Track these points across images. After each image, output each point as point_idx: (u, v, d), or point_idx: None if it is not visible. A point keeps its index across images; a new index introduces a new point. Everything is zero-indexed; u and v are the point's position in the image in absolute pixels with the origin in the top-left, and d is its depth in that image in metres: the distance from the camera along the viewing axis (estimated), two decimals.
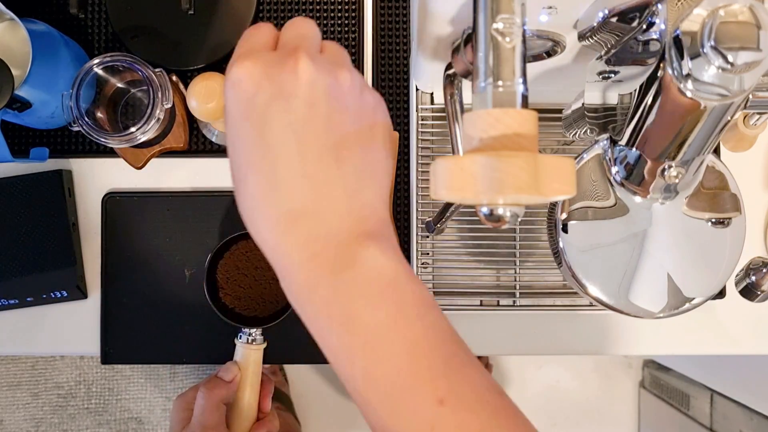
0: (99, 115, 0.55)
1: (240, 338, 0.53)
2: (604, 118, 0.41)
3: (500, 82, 0.27)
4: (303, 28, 0.32)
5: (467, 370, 0.30)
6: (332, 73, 0.30)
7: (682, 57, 0.30)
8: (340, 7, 0.61)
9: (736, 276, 0.57)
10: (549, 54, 0.41)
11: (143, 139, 0.52)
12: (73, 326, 0.60)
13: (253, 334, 0.53)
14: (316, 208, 0.29)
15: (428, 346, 0.29)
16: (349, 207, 0.29)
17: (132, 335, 0.59)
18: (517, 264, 0.56)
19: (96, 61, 0.52)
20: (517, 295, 0.55)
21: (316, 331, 0.31)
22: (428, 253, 0.56)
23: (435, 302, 0.31)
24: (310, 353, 0.59)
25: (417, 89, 0.55)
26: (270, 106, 0.29)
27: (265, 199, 0.29)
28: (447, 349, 0.30)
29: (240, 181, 0.30)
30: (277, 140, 0.29)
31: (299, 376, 1.41)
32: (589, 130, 0.43)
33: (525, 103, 0.27)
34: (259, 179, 0.29)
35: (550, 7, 0.36)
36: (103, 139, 0.51)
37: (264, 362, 0.54)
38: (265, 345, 0.54)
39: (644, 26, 0.33)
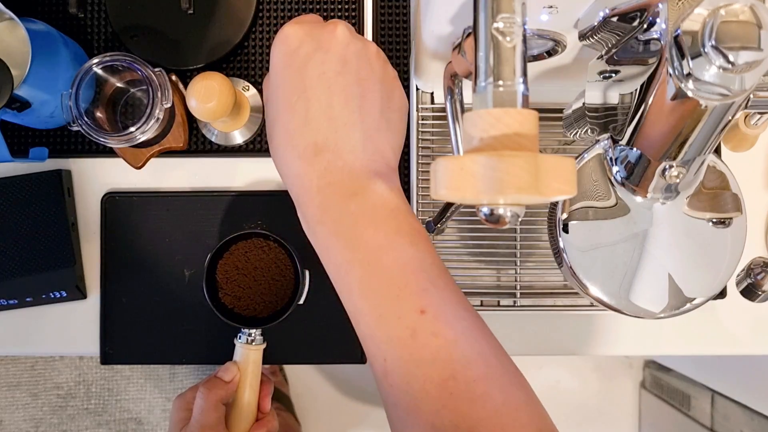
0: (98, 114, 0.55)
1: (239, 338, 0.53)
2: (605, 118, 0.41)
3: (501, 82, 0.27)
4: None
5: (448, 292, 0.34)
6: (364, 41, 0.36)
7: (682, 57, 0.30)
8: (340, 6, 0.61)
9: (737, 276, 0.57)
10: (549, 54, 0.41)
11: (143, 139, 0.52)
12: (72, 326, 0.60)
13: (253, 335, 0.53)
14: (337, 144, 0.34)
15: (417, 266, 0.33)
16: (364, 148, 0.35)
17: (132, 335, 0.59)
18: (518, 264, 0.56)
19: (95, 60, 0.51)
20: (518, 295, 0.55)
21: (322, 250, 0.35)
22: None
23: (427, 236, 0.35)
24: (310, 353, 0.59)
25: (417, 89, 0.55)
26: (310, 58, 0.35)
27: (295, 133, 0.35)
28: (432, 272, 0.34)
29: (275, 119, 0.36)
30: (312, 85, 0.34)
31: (299, 376, 1.41)
32: (589, 130, 0.43)
33: (525, 102, 0.27)
34: (292, 116, 0.35)
35: (551, 7, 0.35)
36: (102, 139, 0.51)
37: (264, 362, 0.54)
38: (264, 345, 0.54)
39: (645, 26, 0.33)
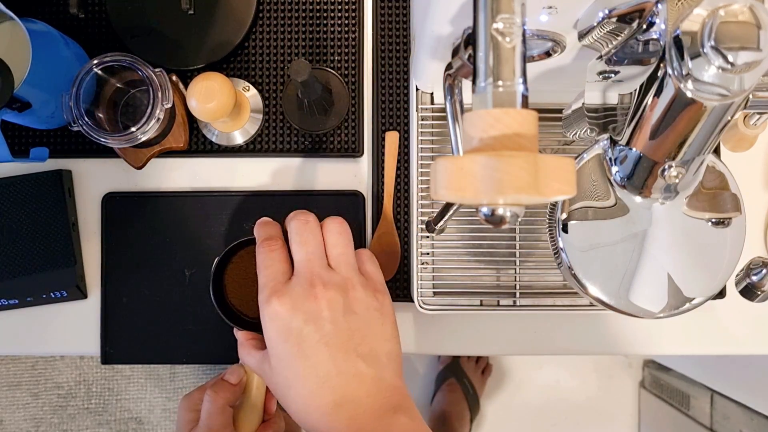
0: (99, 115, 0.55)
1: None
2: (605, 118, 0.41)
3: (500, 82, 0.27)
4: (308, 245, 0.42)
5: None
6: (347, 294, 0.41)
7: (682, 57, 0.30)
8: (340, 7, 0.61)
9: (737, 276, 0.57)
10: (549, 54, 0.41)
11: (143, 139, 0.52)
12: (73, 326, 0.60)
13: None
14: (353, 395, 0.38)
15: None
16: (378, 389, 0.39)
17: (132, 335, 0.59)
18: (517, 264, 0.56)
19: (96, 61, 0.52)
20: (517, 295, 0.55)
21: None
22: (428, 253, 0.56)
23: None
24: None
25: (417, 89, 0.55)
26: (303, 329, 0.39)
27: (313, 396, 0.39)
28: None
29: (288, 388, 0.40)
30: (313, 352, 0.39)
31: None
32: (589, 130, 0.43)
33: (525, 103, 0.27)
34: (305, 383, 0.39)
35: (550, 7, 0.36)
36: (103, 139, 0.51)
37: None
38: None
39: (644, 26, 0.33)
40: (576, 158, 0.42)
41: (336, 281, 0.41)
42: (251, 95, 0.59)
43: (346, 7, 0.61)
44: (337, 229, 0.43)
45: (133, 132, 0.51)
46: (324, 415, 0.39)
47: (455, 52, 0.38)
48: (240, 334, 0.50)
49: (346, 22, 0.61)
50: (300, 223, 0.43)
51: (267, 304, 0.40)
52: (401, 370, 0.42)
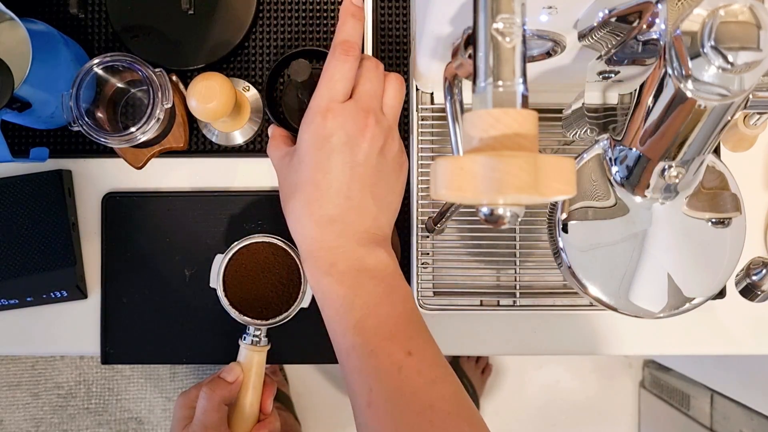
0: (99, 115, 0.55)
1: (244, 339, 0.53)
2: (605, 118, 0.41)
3: (500, 82, 0.27)
4: (374, 83, 0.44)
5: (430, 344, 0.42)
6: (387, 139, 0.43)
7: (682, 57, 0.30)
8: (340, 7, 0.61)
9: (736, 276, 0.57)
10: (549, 54, 0.41)
11: (143, 139, 0.52)
12: (73, 326, 0.60)
13: (258, 336, 0.53)
14: (350, 218, 0.41)
15: (407, 319, 0.41)
16: (371, 224, 0.42)
17: (132, 335, 0.59)
18: (517, 264, 0.56)
19: (96, 61, 0.52)
20: (517, 295, 0.55)
21: (323, 295, 0.42)
22: (428, 253, 0.56)
23: (413, 298, 0.44)
24: (311, 353, 0.59)
25: (417, 89, 0.55)
26: (340, 147, 0.41)
27: (315, 203, 0.41)
28: (419, 326, 0.42)
29: (296, 188, 0.42)
30: (337, 170, 0.41)
31: (299, 376, 1.41)
32: (589, 130, 0.43)
33: (525, 103, 0.27)
34: (314, 191, 0.41)
35: (550, 7, 0.36)
36: (103, 139, 0.51)
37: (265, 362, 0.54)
38: (269, 347, 0.54)
39: (644, 26, 0.33)
40: (576, 158, 0.42)
41: (384, 125, 0.43)
42: (251, 95, 0.59)
43: None
44: (399, 84, 0.45)
45: (133, 132, 0.51)
46: (315, 223, 0.41)
47: (455, 52, 0.38)
48: (275, 130, 0.51)
49: None
50: (373, 63, 0.44)
51: (321, 116, 0.41)
52: (393, 222, 0.46)
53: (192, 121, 0.60)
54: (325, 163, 0.41)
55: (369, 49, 0.61)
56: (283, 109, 0.60)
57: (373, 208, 0.42)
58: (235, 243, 0.54)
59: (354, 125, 0.41)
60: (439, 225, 0.48)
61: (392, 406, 0.38)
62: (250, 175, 0.60)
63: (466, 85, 0.34)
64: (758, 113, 0.54)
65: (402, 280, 0.43)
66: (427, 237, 0.55)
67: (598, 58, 0.39)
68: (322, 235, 0.41)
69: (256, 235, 0.54)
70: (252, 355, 0.53)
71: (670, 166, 0.36)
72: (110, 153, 0.60)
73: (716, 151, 0.59)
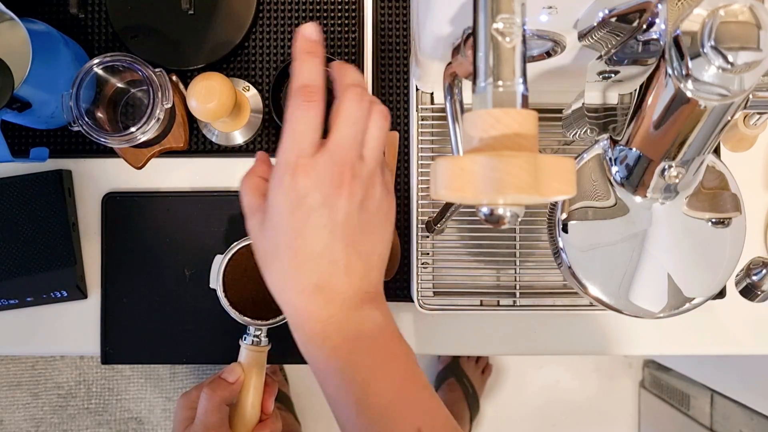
0: (99, 115, 0.55)
1: (245, 340, 0.53)
2: (604, 118, 0.41)
3: (500, 82, 0.27)
4: (355, 126, 0.38)
5: (438, 410, 0.39)
6: (367, 191, 0.38)
7: (682, 57, 0.30)
8: (340, 7, 0.61)
9: (736, 276, 0.57)
10: (549, 54, 0.41)
11: (143, 139, 0.52)
12: (73, 326, 0.60)
13: (258, 336, 0.53)
14: (336, 284, 0.37)
15: (411, 388, 0.39)
16: (361, 283, 0.38)
17: (132, 335, 0.59)
18: (517, 264, 0.56)
19: (96, 61, 0.52)
20: (517, 295, 0.55)
21: (320, 371, 0.39)
22: (428, 253, 0.56)
23: (414, 356, 0.40)
24: None
25: (417, 89, 0.55)
26: (316, 210, 0.36)
27: (297, 271, 0.37)
28: (425, 394, 0.39)
29: (274, 254, 0.38)
30: (316, 233, 0.37)
31: (299, 376, 1.41)
32: (589, 130, 0.43)
33: (525, 103, 0.27)
34: (294, 258, 0.37)
35: (550, 7, 0.36)
36: (103, 139, 0.51)
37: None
38: (269, 347, 0.54)
39: (644, 26, 0.33)
40: (576, 158, 0.42)
41: (363, 175, 0.38)
42: (251, 95, 0.59)
43: (346, 7, 0.61)
44: (382, 120, 0.39)
45: (133, 132, 0.51)
46: (300, 293, 0.38)
47: (455, 52, 0.38)
48: (256, 163, 0.45)
49: (346, 22, 0.61)
50: (357, 97, 0.38)
51: (290, 175, 0.37)
52: (383, 272, 0.42)
53: (192, 121, 0.60)
54: (302, 228, 0.37)
55: (369, 50, 0.61)
56: (284, 109, 0.60)
57: (360, 267, 0.38)
58: (235, 243, 0.54)
59: (330, 183, 0.36)
60: (439, 225, 0.48)
61: None
62: None
63: (466, 85, 0.34)
64: (758, 113, 0.54)
65: (399, 340, 0.40)
66: (427, 237, 0.55)
67: (598, 58, 0.39)
68: (309, 305, 0.38)
69: None
70: (252, 355, 0.53)
71: (670, 166, 0.36)
72: (110, 153, 0.60)
73: (716, 151, 0.59)
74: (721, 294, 0.58)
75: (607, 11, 0.35)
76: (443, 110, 0.55)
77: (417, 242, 0.55)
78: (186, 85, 0.53)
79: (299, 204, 0.37)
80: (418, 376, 0.39)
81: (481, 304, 0.55)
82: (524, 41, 0.28)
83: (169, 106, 0.52)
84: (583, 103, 0.42)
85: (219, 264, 0.53)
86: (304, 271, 0.37)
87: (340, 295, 0.37)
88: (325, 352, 0.38)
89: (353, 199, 0.37)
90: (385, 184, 0.40)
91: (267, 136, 0.60)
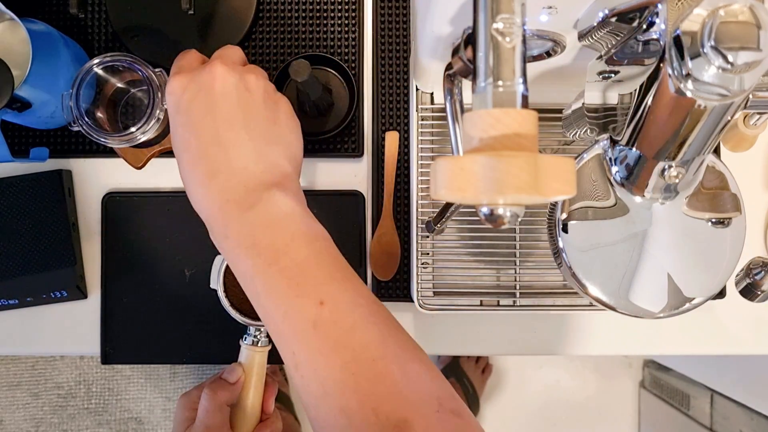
0: (99, 115, 0.55)
1: (245, 340, 0.53)
2: (605, 118, 0.41)
3: (500, 82, 0.27)
4: (227, 49, 0.43)
5: (345, 283, 0.37)
6: (241, 74, 0.40)
7: (682, 57, 0.30)
8: (340, 7, 0.61)
9: (736, 276, 0.57)
10: (549, 54, 0.41)
11: (143, 139, 0.52)
12: (73, 326, 0.60)
13: (258, 336, 0.53)
14: (228, 165, 0.38)
15: (313, 263, 0.37)
16: (257, 162, 0.38)
17: (132, 335, 0.59)
18: (517, 264, 0.56)
19: (96, 61, 0.52)
20: (517, 295, 0.55)
21: (231, 262, 0.39)
22: (428, 253, 0.56)
23: (326, 235, 0.39)
24: None
25: (417, 89, 0.55)
26: (193, 99, 0.39)
27: (193, 166, 0.38)
28: (330, 267, 0.38)
29: (179, 161, 0.40)
30: (198, 121, 0.39)
31: None
32: (589, 130, 0.43)
33: (525, 103, 0.27)
34: (189, 153, 0.39)
35: (550, 7, 0.36)
36: (103, 139, 0.51)
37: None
38: (270, 347, 0.54)
39: (644, 26, 0.33)
40: (576, 158, 0.42)
41: (240, 68, 0.41)
42: None
43: (346, 7, 0.61)
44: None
45: (133, 132, 0.51)
46: (198, 185, 0.38)
47: (455, 52, 0.38)
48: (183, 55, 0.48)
49: (346, 22, 0.61)
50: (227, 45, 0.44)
51: (172, 81, 0.40)
52: (295, 160, 0.42)
53: None
54: (187, 122, 0.39)
55: (369, 50, 0.61)
56: None
57: (251, 145, 0.38)
58: None
59: (204, 74, 0.39)
60: (439, 225, 0.48)
61: (316, 367, 0.35)
62: None
63: (466, 85, 0.34)
64: (758, 113, 0.54)
65: (304, 218, 0.39)
66: (427, 237, 0.55)
67: (598, 58, 0.39)
68: (208, 193, 0.38)
69: None
70: (253, 355, 0.53)
71: (670, 166, 0.36)
72: (110, 153, 0.60)
73: (716, 151, 0.59)
74: (721, 294, 0.58)
75: (607, 11, 0.35)
76: (443, 110, 0.55)
77: (417, 242, 0.55)
78: None
79: (180, 100, 0.39)
80: (327, 253, 0.38)
81: (481, 304, 0.55)
82: (524, 41, 0.28)
83: None
84: (583, 103, 0.42)
85: (219, 264, 0.53)
86: (197, 162, 0.38)
87: (234, 176, 0.38)
88: (229, 240, 0.38)
89: (227, 79, 0.39)
90: (268, 82, 0.42)
91: None
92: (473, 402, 1.34)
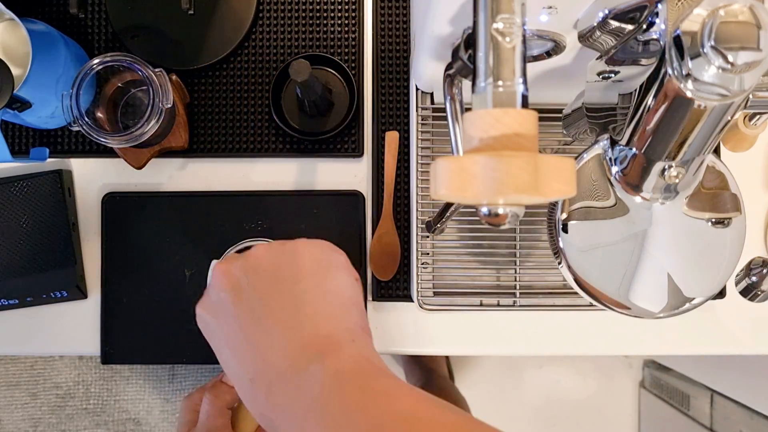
0: (99, 115, 0.55)
1: None
2: (605, 118, 0.41)
3: (500, 82, 0.27)
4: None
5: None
6: (246, 282, 0.39)
7: (682, 57, 0.30)
8: (340, 7, 0.61)
9: (736, 276, 0.57)
10: (549, 54, 0.41)
11: (143, 139, 0.52)
12: (73, 326, 0.60)
13: None
14: (265, 363, 0.35)
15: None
16: (291, 346, 0.35)
17: (132, 335, 0.59)
18: (517, 264, 0.56)
19: (96, 61, 0.52)
20: (517, 295, 0.55)
21: None
22: (428, 253, 0.56)
23: (407, 387, 0.33)
24: None
25: (417, 89, 0.55)
26: (213, 319, 0.40)
27: (237, 378, 0.37)
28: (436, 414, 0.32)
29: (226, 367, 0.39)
30: (222, 335, 0.38)
31: None
32: (589, 130, 0.43)
33: (525, 103, 0.27)
34: (230, 363, 0.38)
35: (550, 7, 0.36)
36: (103, 139, 0.51)
37: None
38: None
39: (644, 26, 0.33)
40: (576, 158, 0.42)
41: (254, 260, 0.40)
42: None
43: (346, 7, 0.61)
44: None
45: (133, 132, 0.51)
46: (248, 393, 0.36)
47: (455, 52, 0.38)
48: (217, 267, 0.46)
49: (346, 22, 0.61)
50: None
51: (198, 311, 0.42)
52: (339, 310, 0.37)
53: (192, 121, 0.60)
54: (212, 338, 0.40)
55: (369, 50, 0.61)
56: (284, 109, 0.60)
57: (278, 330, 0.36)
58: (230, 248, 0.54)
59: (217, 298, 0.40)
60: (439, 225, 0.48)
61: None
62: (250, 175, 0.60)
63: (466, 85, 0.34)
64: (758, 113, 0.54)
65: (381, 374, 0.34)
66: (427, 237, 0.55)
67: (598, 58, 0.39)
68: (259, 400, 0.35)
69: (250, 239, 0.54)
70: None
71: (670, 166, 0.36)
72: (110, 153, 0.60)
73: (716, 151, 0.59)
74: (721, 294, 0.58)
75: (607, 11, 0.35)
76: (443, 110, 0.55)
77: (417, 242, 0.55)
78: (186, 85, 0.53)
79: (206, 324, 0.40)
80: (413, 400, 0.32)
81: (481, 304, 0.56)
82: (524, 41, 0.28)
83: (169, 106, 0.52)
84: (583, 103, 0.42)
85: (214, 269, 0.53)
86: (239, 373, 0.37)
87: (272, 371, 0.35)
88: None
89: (236, 286, 0.38)
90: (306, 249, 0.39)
91: (267, 137, 0.60)
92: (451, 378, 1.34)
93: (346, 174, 0.60)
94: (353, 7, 0.61)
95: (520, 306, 0.55)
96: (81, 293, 0.59)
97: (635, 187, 0.40)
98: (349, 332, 0.36)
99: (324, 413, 0.32)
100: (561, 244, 0.42)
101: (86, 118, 0.51)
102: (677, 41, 0.30)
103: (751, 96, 0.33)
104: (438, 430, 0.30)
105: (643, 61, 0.34)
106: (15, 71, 0.48)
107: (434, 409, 0.32)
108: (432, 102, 0.55)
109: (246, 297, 0.38)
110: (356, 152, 0.59)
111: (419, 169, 0.55)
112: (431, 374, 1.28)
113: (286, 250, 0.39)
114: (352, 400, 0.31)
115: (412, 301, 0.56)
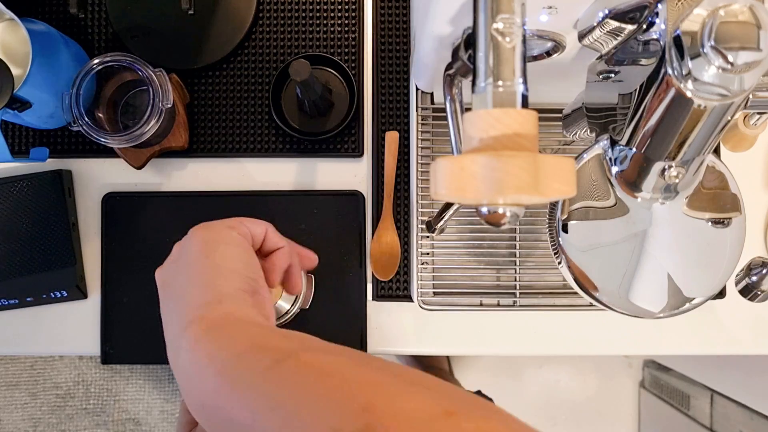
0: (99, 115, 0.55)
1: None
2: (604, 118, 0.41)
3: (500, 82, 0.27)
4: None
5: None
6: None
7: (682, 57, 0.30)
8: (340, 7, 0.61)
9: (736, 276, 0.57)
10: (549, 54, 0.41)
11: (143, 139, 0.52)
12: (73, 326, 0.60)
13: None
14: (167, 340, 0.40)
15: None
16: (178, 319, 0.39)
17: (132, 335, 0.59)
18: (517, 264, 0.56)
19: (96, 61, 0.52)
20: (517, 295, 0.55)
21: None
22: (428, 253, 0.56)
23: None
24: None
25: (417, 89, 0.55)
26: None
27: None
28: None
29: None
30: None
31: None
32: (589, 130, 0.43)
33: (525, 103, 0.27)
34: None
35: (550, 7, 0.36)
36: (103, 139, 0.51)
37: None
38: None
39: (644, 26, 0.33)
40: (576, 158, 0.42)
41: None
42: None
43: (346, 7, 0.61)
44: None
45: (133, 132, 0.51)
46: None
47: (455, 52, 0.38)
48: None
49: (346, 22, 0.61)
50: None
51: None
52: (225, 282, 0.39)
53: (192, 121, 0.60)
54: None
55: (369, 50, 0.61)
56: (284, 109, 0.60)
57: (171, 303, 0.40)
58: None
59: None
60: (439, 225, 0.48)
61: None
62: (250, 175, 0.60)
63: (466, 85, 0.34)
64: (758, 113, 0.54)
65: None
66: (427, 237, 0.55)
67: (598, 58, 0.39)
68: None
69: None
70: None
71: (670, 166, 0.36)
72: (110, 153, 0.60)
73: (716, 151, 0.59)
74: (721, 294, 0.58)
75: (607, 11, 0.35)
76: (443, 110, 0.55)
77: (417, 242, 0.55)
78: (186, 85, 0.53)
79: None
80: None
81: (481, 304, 0.55)
82: (524, 41, 0.28)
83: (169, 106, 0.52)
84: (583, 103, 0.42)
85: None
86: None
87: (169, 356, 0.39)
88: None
89: (161, 288, 0.42)
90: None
91: (267, 137, 0.60)
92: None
93: (346, 174, 0.60)
94: (353, 7, 0.61)
95: (520, 306, 0.55)
96: (81, 293, 0.59)
97: (635, 187, 0.40)
98: (227, 297, 0.38)
99: (184, 374, 0.36)
100: (561, 244, 0.42)
101: (86, 118, 0.51)
102: (677, 41, 0.30)
103: (751, 96, 0.33)
104: (280, 354, 0.31)
105: (643, 61, 0.34)
106: (15, 71, 0.48)
107: (277, 336, 0.34)
108: (432, 102, 0.55)
109: (162, 285, 0.42)
110: (356, 152, 0.59)
111: (419, 169, 0.55)
112: (432, 373, 1.29)
113: (186, 238, 0.43)
114: (205, 352, 0.35)
115: (412, 301, 0.56)
